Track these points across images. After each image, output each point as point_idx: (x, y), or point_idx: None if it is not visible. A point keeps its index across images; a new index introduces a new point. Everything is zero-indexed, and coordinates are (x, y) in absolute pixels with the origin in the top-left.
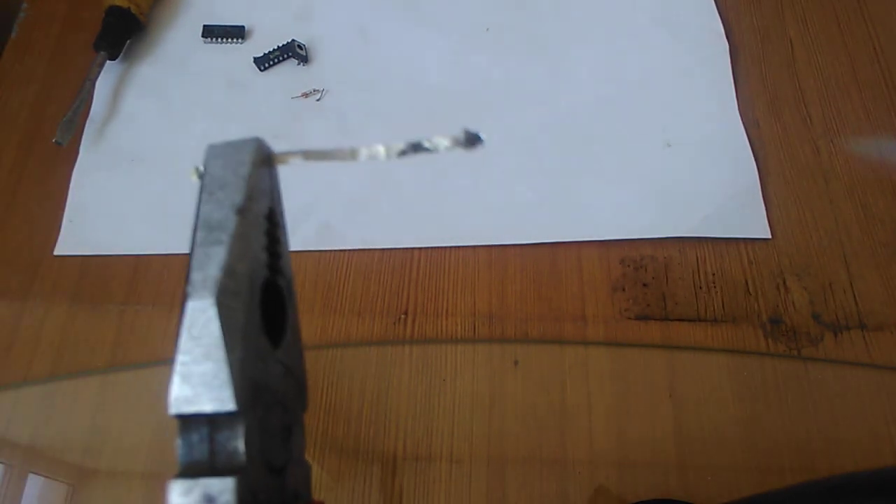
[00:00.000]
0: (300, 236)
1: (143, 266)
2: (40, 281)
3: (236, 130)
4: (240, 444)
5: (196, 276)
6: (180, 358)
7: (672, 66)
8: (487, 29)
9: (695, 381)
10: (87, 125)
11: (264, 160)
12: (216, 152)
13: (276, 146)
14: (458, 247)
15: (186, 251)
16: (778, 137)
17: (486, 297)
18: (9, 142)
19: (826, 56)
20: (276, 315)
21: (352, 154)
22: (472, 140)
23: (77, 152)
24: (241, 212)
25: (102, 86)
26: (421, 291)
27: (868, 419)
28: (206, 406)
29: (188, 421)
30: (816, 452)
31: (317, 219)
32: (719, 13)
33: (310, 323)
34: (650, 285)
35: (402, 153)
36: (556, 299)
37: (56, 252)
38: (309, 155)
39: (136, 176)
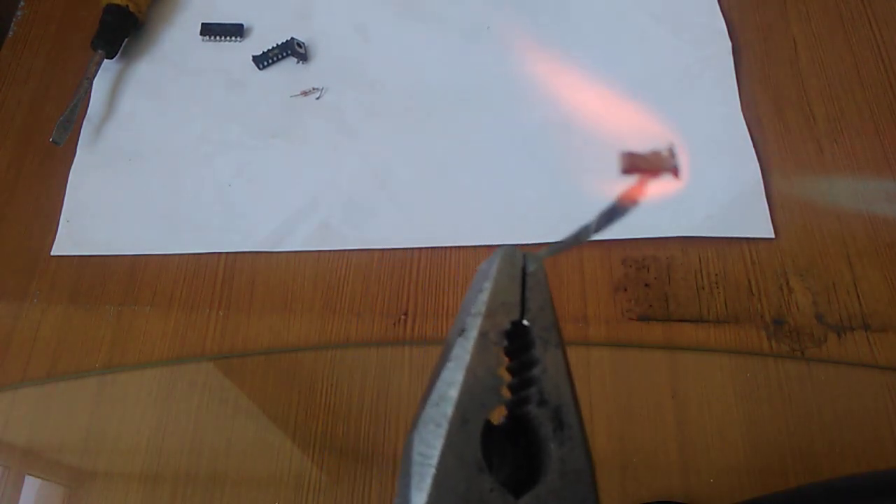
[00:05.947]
0: (300, 236)
1: (141, 266)
2: (37, 281)
3: (235, 129)
4: None
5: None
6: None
7: (674, 64)
8: (488, 27)
9: (697, 383)
10: (84, 124)
11: (510, 269)
12: (480, 273)
13: (275, 145)
14: (458, 247)
15: (184, 251)
16: (781, 136)
17: None
18: (5, 141)
19: (830, 55)
20: (532, 453)
21: (587, 233)
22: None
23: (74, 152)
24: (461, 332)
25: (100, 85)
26: (421, 292)
27: (872, 421)
28: None
29: None
30: (820, 454)
31: (317, 219)
32: (722, 11)
33: (309, 323)
34: (652, 285)
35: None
36: (557, 299)
37: (53, 252)
38: (556, 248)
39: (133, 176)
